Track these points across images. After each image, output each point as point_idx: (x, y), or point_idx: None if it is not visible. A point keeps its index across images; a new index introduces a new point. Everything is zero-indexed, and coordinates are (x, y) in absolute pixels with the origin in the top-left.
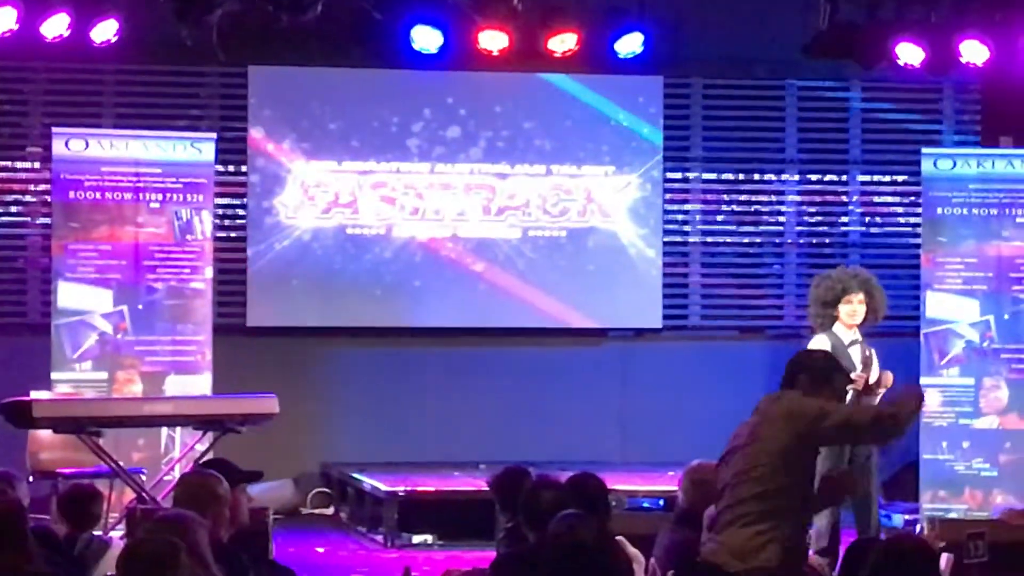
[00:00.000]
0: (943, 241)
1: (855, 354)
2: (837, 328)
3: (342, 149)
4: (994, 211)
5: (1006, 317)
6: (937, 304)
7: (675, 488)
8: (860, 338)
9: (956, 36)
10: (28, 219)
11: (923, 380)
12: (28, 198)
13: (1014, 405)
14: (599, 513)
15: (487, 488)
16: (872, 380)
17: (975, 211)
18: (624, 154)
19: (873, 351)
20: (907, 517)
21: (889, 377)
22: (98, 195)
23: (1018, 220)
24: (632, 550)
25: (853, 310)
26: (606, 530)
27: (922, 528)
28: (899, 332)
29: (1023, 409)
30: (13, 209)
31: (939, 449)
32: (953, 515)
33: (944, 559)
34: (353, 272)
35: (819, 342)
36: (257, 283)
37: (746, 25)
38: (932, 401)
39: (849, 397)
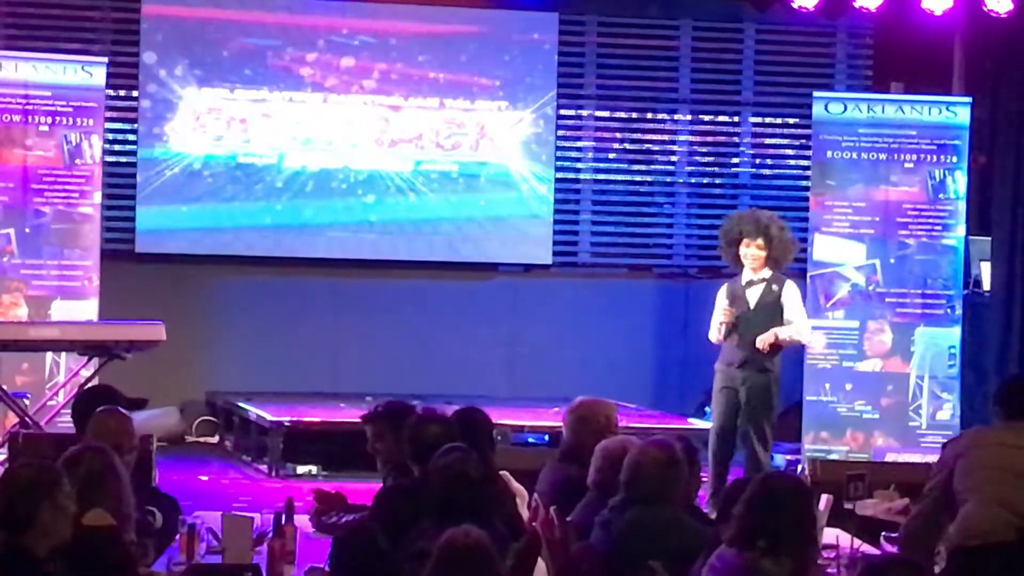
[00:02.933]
0: (832, 184)
1: (753, 294)
2: (744, 270)
3: (235, 77)
4: (883, 156)
5: (892, 261)
6: (824, 247)
7: (560, 424)
8: (767, 277)
9: None
10: None
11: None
12: None
13: (897, 349)
14: (483, 447)
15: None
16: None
17: (864, 155)
18: (518, 90)
19: (785, 285)
20: (789, 458)
21: (729, 312)
22: None
23: (906, 166)
24: (516, 485)
25: (752, 253)
26: (490, 464)
27: (803, 468)
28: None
29: (905, 353)
30: None
31: (822, 391)
32: (834, 456)
33: (823, 500)
34: (243, 201)
35: (720, 292)
36: (146, 209)
37: None
38: (817, 343)
39: (722, 330)
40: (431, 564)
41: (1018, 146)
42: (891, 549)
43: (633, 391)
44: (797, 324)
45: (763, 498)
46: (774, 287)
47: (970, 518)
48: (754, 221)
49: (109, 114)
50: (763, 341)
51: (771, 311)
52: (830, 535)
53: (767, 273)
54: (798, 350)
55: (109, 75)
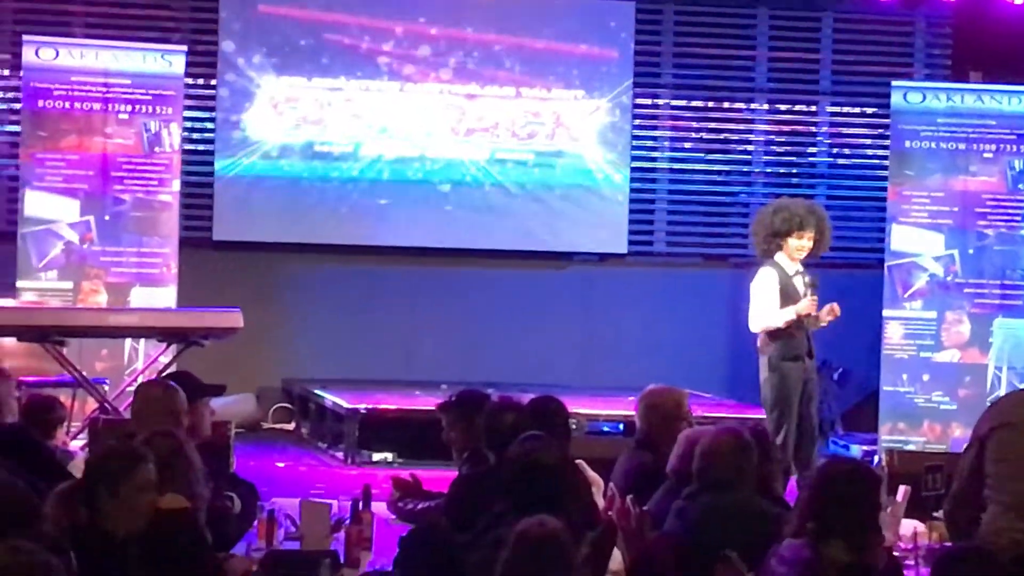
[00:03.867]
0: (910, 174)
1: (799, 284)
2: (780, 258)
3: (312, 66)
4: (962, 146)
5: (970, 252)
6: (902, 237)
7: (634, 413)
8: (801, 268)
9: None
10: None
11: (886, 312)
12: None
13: (975, 340)
14: (559, 436)
15: (435, 410)
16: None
17: (943, 145)
18: (594, 79)
19: (816, 278)
20: (865, 448)
21: (836, 308)
22: (67, 105)
23: (985, 156)
24: (591, 473)
25: (802, 245)
26: (566, 453)
27: (880, 459)
28: (863, 264)
29: (983, 344)
30: None
31: (899, 381)
32: (911, 447)
33: (901, 491)
34: (320, 189)
35: (766, 274)
36: (224, 197)
37: None
38: (894, 334)
39: (789, 319)
40: (507, 553)
41: None
42: None
43: (708, 381)
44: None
45: (822, 484)
46: (807, 278)
47: (990, 529)
48: (811, 211)
49: (188, 103)
50: (833, 310)
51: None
52: (908, 526)
53: (799, 264)
54: (876, 340)
55: (188, 64)
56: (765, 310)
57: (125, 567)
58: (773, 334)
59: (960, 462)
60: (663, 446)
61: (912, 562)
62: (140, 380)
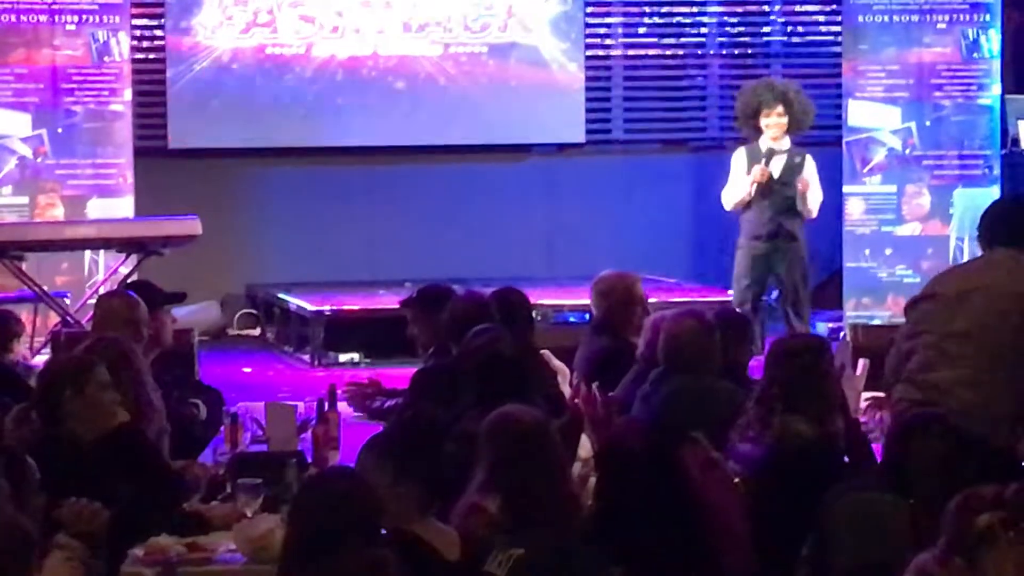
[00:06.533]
0: (864, 49)
1: (776, 164)
2: (762, 140)
3: None
4: (915, 18)
5: (927, 124)
6: (859, 112)
7: None
8: (787, 147)
9: None
10: None
11: (845, 188)
12: None
13: (935, 211)
14: (522, 327)
15: (399, 307)
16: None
17: (896, 18)
18: None
19: (806, 158)
20: (831, 325)
21: (805, 183)
22: (12, 18)
23: (939, 26)
24: (557, 363)
25: (773, 122)
26: (528, 343)
27: (845, 335)
28: (821, 142)
29: (944, 215)
30: None
31: (862, 257)
32: (877, 322)
33: (860, 364)
34: (274, 92)
35: (736, 155)
36: (177, 105)
37: None
38: (855, 209)
39: (752, 190)
40: (486, 444)
41: None
42: None
43: (673, 265)
44: (816, 196)
45: (775, 360)
46: (796, 159)
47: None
48: (769, 88)
49: (135, 10)
50: (804, 183)
51: (794, 182)
52: (869, 398)
53: (787, 143)
54: (837, 217)
55: None
56: (728, 188)
57: (96, 475)
58: (742, 214)
59: (898, 332)
60: (620, 330)
61: (876, 434)
62: (101, 292)
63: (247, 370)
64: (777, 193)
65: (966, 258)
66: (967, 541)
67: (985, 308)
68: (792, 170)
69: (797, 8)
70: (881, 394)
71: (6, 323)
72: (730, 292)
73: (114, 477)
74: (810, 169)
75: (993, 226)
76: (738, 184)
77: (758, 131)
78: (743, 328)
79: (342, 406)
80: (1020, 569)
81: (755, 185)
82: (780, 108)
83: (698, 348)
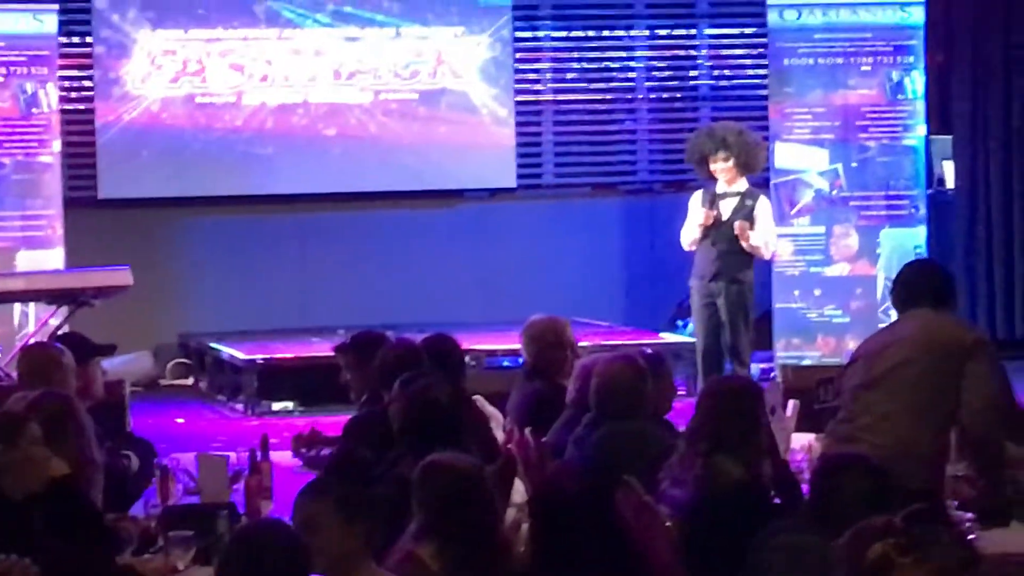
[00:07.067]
0: (790, 92)
1: (727, 206)
2: (719, 183)
3: (187, 17)
4: (840, 60)
5: (854, 165)
6: (786, 154)
7: None
8: (743, 189)
9: None
10: None
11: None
12: None
13: (863, 252)
14: (454, 373)
15: (333, 354)
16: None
17: (821, 61)
18: (473, 14)
19: (759, 200)
20: (762, 366)
21: (740, 226)
22: None
23: (863, 68)
24: (490, 408)
25: (720, 167)
26: (460, 389)
27: (775, 376)
28: (749, 183)
29: (872, 255)
30: None
31: (791, 298)
32: (807, 362)
33: (790, 405)
34: (204, 141)
35: (693, 197)
36: (107, 155)
37: None
38: (784, 251)
39: (691, 236)
40: (420, 491)
41: (975, 43)
42: None
43: (604, 309)
44: (764, 237)
45: (707, 401)
46: (748, 201)
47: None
48: (709, 135)
49: (63, 62)
50: (740, 227)
51: (737, 217)
52: (803, 440)
53: (742, 186)
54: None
55: (61, 22)
56: (684, 228)
57: (26, 532)
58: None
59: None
60: (552, 375)
61: (807, 475)
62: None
63: (180, 420)
64: (724, 235)
65: None
66: (863, 572)
67: (897, 358)
68: (741, 212)
69: (724, 52)
70: (811, 435)
71: None
72: (662, 335)
73: (47, 532)
74: (761, 210)
75: (902, 292)
76: (691, 225)
77: (712, 176)
78: (663, 369)
79: (278, 455)
80: None
81: (701, 227)
82: (723, 154)
83: (630, 393)
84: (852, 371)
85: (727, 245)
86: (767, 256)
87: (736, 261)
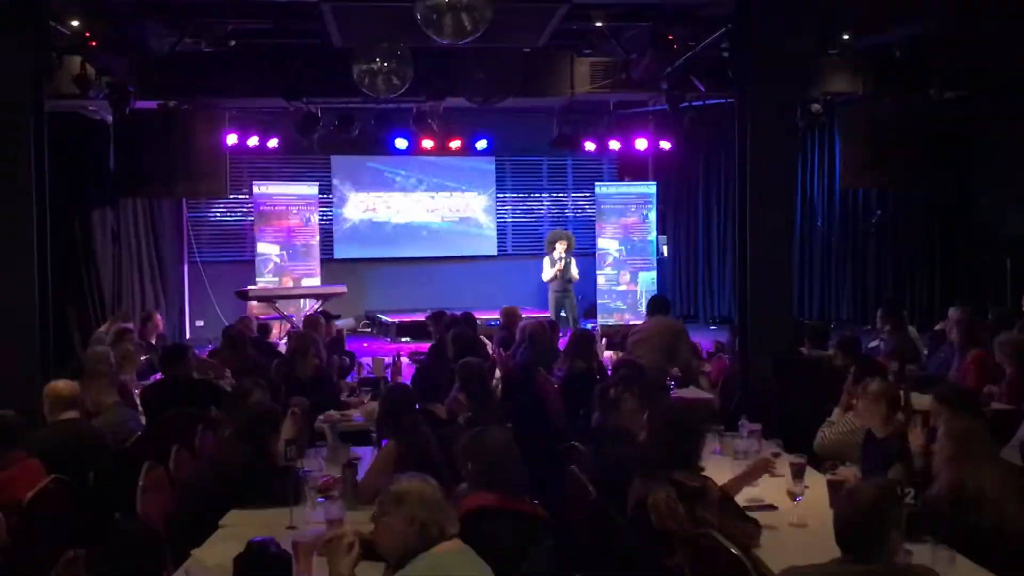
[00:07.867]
0: None
1: (564, 264)
2: (556, 252)
3: (367, 185)
4: None
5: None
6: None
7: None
8: (569, 255)
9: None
10: None
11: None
12: None
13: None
14: (472, 325)
15: (425, 320)
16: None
17: None
18: (481, 183)
19: (572, 261)
20: (590, 325)
21: (558, 271)
22: None
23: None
24: (487, 341)
25: (560, 247)
26: (475, 334)
27: (597, 328)
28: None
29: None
30: None
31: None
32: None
33: (604, 341)
34: (376, 235)
35: (546, 259)
36: (339, 239)
37: None
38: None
39: (548, 277)
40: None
41: (677, 205)
42: None
43: (534, 304)
44: (573, 273)
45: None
46: (570, 259)
47: None
48: (557, 234)
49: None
50: (557, 270)
51: (568, 271)
52: (609, 354)
53: (568, 252)
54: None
55: (320, 187)
56: (544, 271)
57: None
58: (550, 283)
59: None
60: (511, 328)
61: (610, 370)
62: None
63: (365, 345)
64: (563, 276)
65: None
66: (603, 408)
67: (649, 332)
68: (569, 266)
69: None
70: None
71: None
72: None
73: (314, 391)
74: (572, 262)
75: (648, 306)
76: (547, 271)
77: (553, 249)
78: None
79: (405, 359)
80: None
81: (556, 271)
82: (565, 243)
83: (540, 334)
84: (632, 340)
85: (563, 278)
86: (575, 279)
87: (568, 282)
